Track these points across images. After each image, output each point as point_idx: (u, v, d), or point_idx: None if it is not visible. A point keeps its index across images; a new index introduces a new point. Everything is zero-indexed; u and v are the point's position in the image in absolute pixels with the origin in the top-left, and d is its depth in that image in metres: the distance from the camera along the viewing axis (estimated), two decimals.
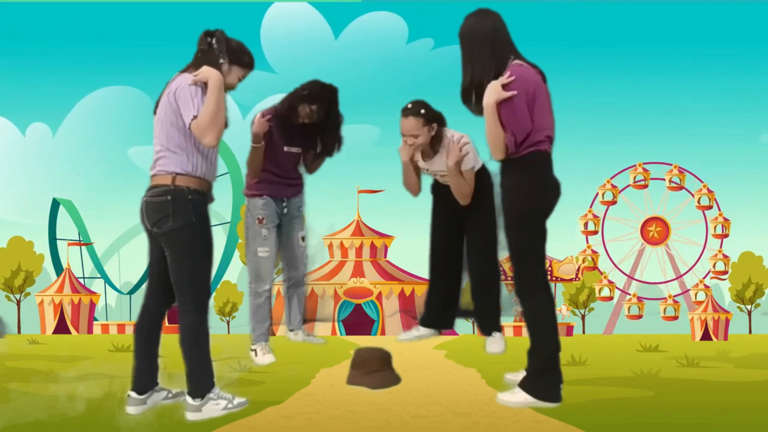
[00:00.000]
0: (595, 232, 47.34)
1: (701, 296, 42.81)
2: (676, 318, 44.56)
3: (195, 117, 5.16)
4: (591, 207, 47.45)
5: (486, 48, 5.55)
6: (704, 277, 45.49)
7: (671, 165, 47.42)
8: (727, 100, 67.22)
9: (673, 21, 65.26)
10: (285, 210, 6.77)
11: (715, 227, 46.85)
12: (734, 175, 68.84)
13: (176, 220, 5.22)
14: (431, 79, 62.19)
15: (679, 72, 66.55)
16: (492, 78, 5.50)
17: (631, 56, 69.07)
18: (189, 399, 5.25)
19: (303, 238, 7.15)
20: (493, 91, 5.47)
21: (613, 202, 47.55)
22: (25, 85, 70.78)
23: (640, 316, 45.45)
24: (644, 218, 48.26)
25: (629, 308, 45.69)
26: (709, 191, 47.02)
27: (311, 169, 6.96)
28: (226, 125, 5.27)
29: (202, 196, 5.31)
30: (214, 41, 5.37)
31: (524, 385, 5.58)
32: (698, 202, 47.13)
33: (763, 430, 5.65)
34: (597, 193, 47.51)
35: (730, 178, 66.04)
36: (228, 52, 5.41)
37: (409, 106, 6.06)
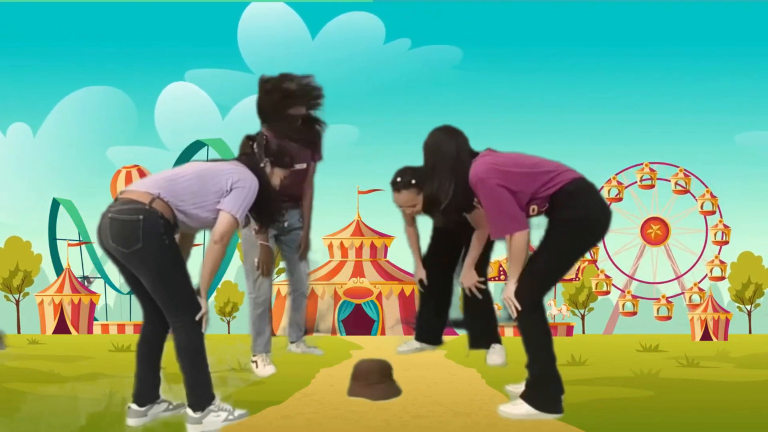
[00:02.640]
0: None
1: (696, 299, 43.04)
2: (669, 318, 44.79)
3: (233, 215, 5.16)
4: None
5: (448, 165, 5.65)
6: (700, 281, 45.62)
7: (677, 167, 47.36)
8: (701, 100, 67.27)
9: (655, 21, 65.21)
10: (285, 223, 6.75)
11: (715, 234, 46.98)
12: (725, 176, 68.92)
13: (146, 241, 5.04)
14: (409, 79, 62.32)
15: (660, 71, 66.60)
16: (448, 196, 5.63)
17: (615, 56, 68.93)
18: (189, 411, 5.26)
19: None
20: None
21: (619, 199, 47.46)
22: (6, 85, 70.75)
23: (634, 313, 45.67)
24: (644, 218, 48.25)
25: (623, 305, 45.89)
26: (713, 196, 47.05)
27: (310, 183, 6.96)
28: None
29: (171, 226, 5.21)
30: (255, 146, 5.48)
31: (526, 396, 5.61)
32: (701, 207, 47.17)
33: (763, 430, 5.66)
34: (601, 188, 47.43)
35: (726, 179, 66.01)
36: (270, 156, 5.51)
37: (398, 179, 6.04)
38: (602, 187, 47.47)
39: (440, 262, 6.59)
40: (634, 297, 46.28)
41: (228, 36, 59.05)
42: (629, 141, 67.08)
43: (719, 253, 46.64)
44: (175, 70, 70.91)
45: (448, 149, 5.63)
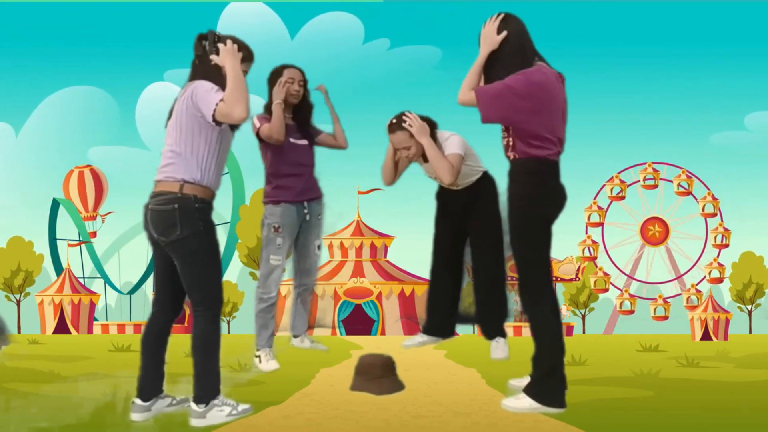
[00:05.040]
0: (599, 224, 47.34)
1: (693, 300, 43.10)
2: (666, 318, 44.84)
3: (217, 104, 5.12)
4: (595, 199, 47.50)
5: (512, 54, 5.53)
6: (698, 283, 45.69)
7: (681, 169, 47.40)
8: (677, 100, 67.33)
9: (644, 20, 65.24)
10: (306, 216, 6.74)
11: (715, 237, 46.97)
12: (720, 176, 68.99)
13: (184, 229, 5.20)
14: (389, 79, 62.37)
15: (638, 70, 66.62)
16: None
17: (594, 55, 68.88)
18: (194, 405, 5.27)
19: (319, 247, 7.12)
20: (489, 40, 5.43)
21: (621, 197, 47.51)
22: None
23: (632, 312, 45.67)
24: (644, 218, 48.29)
25: (621, 303, 45.94)
26: (714, 199, 47.07)
27: (340, 139, 6.90)
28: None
29: (208, 204, 5.31)
30: (207, 44, 5.35)
31: (529, 390, 5.56)
32: (702, 210, 47.16)
33: (763, 430, 5.66)
34: (603, 185, 47.45)
35: (726, 179, 66.06)
36: None
37: (394, 121, 6.08)
38: (604, 185, 47.52)
39: (446, 251, 6.54)
40: (632, 296, 46.37)
41: None
42: (609, 142, 67.15)
43: (718, 255, 46.68)
44: (154, 70, 71.00)
45: (509, 36, 5.51)
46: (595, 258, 46.96)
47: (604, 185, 47.59)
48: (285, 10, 59.57)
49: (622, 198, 47.59)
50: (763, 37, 65.38)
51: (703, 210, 47.16)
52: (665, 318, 45.02)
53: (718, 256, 46.66)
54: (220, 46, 5.27)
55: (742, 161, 65.08)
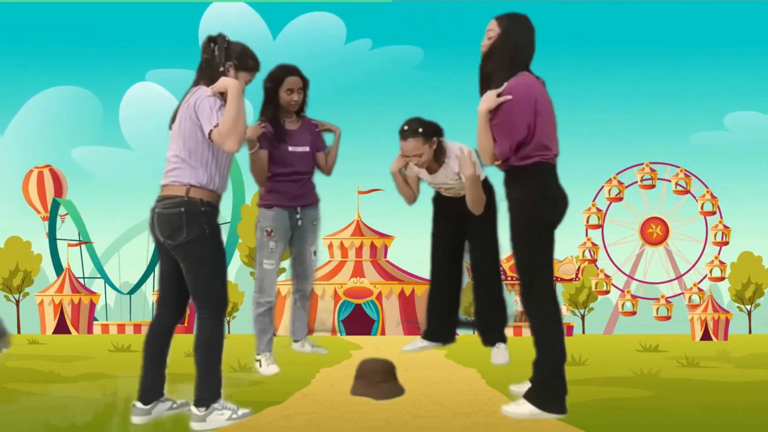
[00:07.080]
0: (598, 226, 47.40)
1: (695, 299, 43.13)
2: (668, 318, 44.86)
3: (216, 126, 5.16)
4: (594, 201, 47.52)
5: (508, 56, 5.57)
6: (699, 281, 45.73)
7: (678, 168, 47.47)
8: (657, 100, 67.43)
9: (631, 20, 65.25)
10: (299, 222, 6.72)
11: (715, 234, 47.05)
12: (721, 176, 68.99)
13: (190, 232, 5.23)
14: (371, 78, 62.39)
15: (619, 71, 66.63)
16: (500, 85, 5.53)
17: (578, 55, 68.85)
18: (194, 409, 5.28)
19: (314, 253, 7.10)
20: (487, 100, 5.50)
21: (619, 198, 47.60)
22: None
23: (633, 313, 45.76)
24: (644, 218, 48.31)
25: (623, 305, 46.00)
26: (713, 197, 47.13)
27: (328, 167, 6.90)
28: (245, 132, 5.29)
29: (214, 208, 5.32)
30: (216, 49, 5.37)
31: (529, 396, 5.57)
32: (701, 208, 47.25)
33: (763, 430, 5.66)
34: (602, 187, 47.50)
35: (713, 178, 66.28)
36: (231, 59, 5.41)
37: (406, 127, 6.02)
38: (602, 187, 47.58)
39: (444, 256, 6.53)
40: (634, 297, 46.40)
41: (189, 36, 58.93)
42: (591, 143, 67.16)
43: (719, 253, 46.73)
44: (137, 70, 71.06)
45: (513, 39, 5.54)
46: (596, 260, 46.96)
47: (602, 187, 47.63)
48: (267, 10, 59.60)
49: (620, 199, 47.66)
50: (742, 37, 65.61)
51: (702, 208, 47.24)
52: (668, 318, 45.02)
53: (718, 253, 46.71)
54: (222, 79, 5.28)
55: (723, 161, 65.26)
